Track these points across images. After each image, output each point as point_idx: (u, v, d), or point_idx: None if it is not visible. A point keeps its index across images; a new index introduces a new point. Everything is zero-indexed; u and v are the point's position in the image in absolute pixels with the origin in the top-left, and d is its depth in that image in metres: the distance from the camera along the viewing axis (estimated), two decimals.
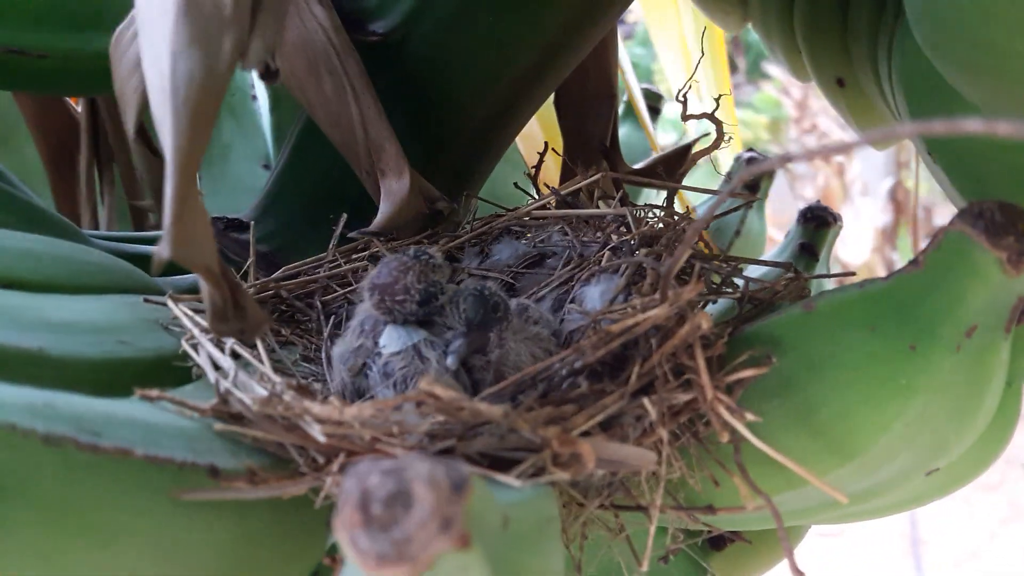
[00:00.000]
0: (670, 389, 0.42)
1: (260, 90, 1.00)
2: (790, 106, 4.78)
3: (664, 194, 0.62)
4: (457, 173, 0.68)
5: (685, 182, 0.77)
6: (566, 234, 0.60)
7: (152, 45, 0.40)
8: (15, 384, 0.36)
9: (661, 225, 0.57)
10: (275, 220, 0.69)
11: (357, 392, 0.49)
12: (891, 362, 0.42)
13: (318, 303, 0.58)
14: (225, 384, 0.43)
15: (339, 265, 0.61)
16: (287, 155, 0.71)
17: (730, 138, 0.61)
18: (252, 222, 0.66)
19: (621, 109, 1.05)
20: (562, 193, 0.62)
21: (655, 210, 0.60)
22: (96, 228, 0.95)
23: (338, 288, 0.59)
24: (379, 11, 0.66)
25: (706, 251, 0.55)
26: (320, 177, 0.69)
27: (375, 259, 0.60)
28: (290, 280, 0.59)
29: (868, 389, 0.42)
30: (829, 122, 4.46)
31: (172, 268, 0.69)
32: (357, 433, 0.39)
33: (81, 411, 0.36)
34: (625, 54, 0.90)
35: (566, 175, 0.76)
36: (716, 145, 0.60)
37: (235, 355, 0.47)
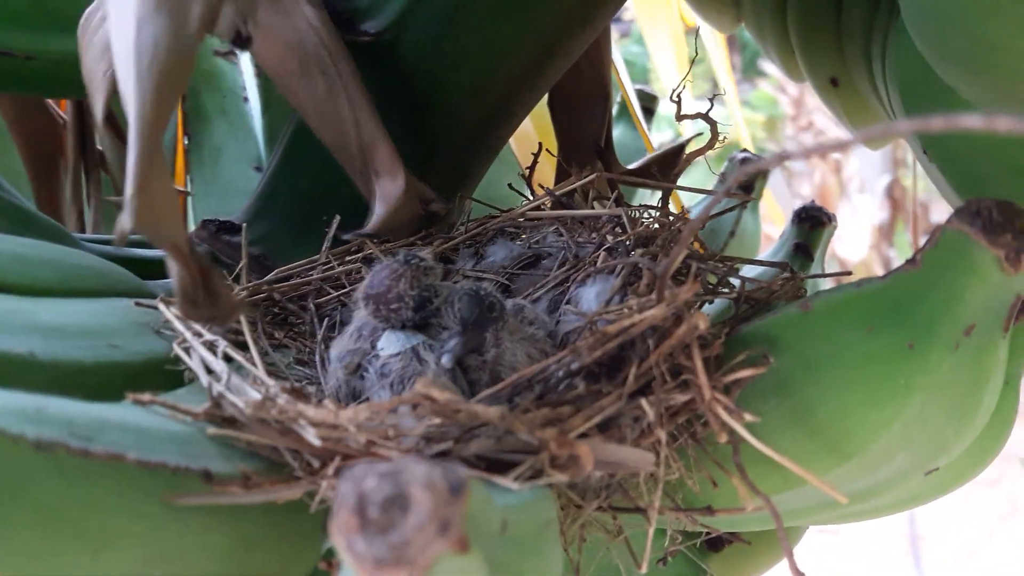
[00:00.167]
0: (668, 390, 0.42)
1: (252, 92, 0.99)
2: (786, 104, 4.79)
3: (659, 195, 0.62)
4: (451, 174, 0.68)
5: (680, 182, 0.77)
6: (561, 235, 0.60)
7: (119, 14, 0.39)
8: (6, 389, 0.35)
9: (656, 226, 0.57)
10: (267, 222, 0.68)
11: (353, 394, 0.49)
12: (889, 361, 0.41)
13: (312, 306, 0.58)
14: (218, 388, 0.43)
15: (332, 267, 0.60)
16: (279, 157, 0.70)
17: (724, 138, 0.60)
18: (244, 224, 0.65)
19: (615, 110, 1.05)
20: (557, 194, 0.62)
21: (650, 211, 0.59)
22: (82, 231, 0.94)
23: (332, 290, 0.59)
24: (370, 11, 0.65)
25: (701, 251, 0.55)
26: (313, 179, 0.69)
27: (369, 261, 0.60)
28: (283, 283, 0.59)
29: (866, 389, 0.42)
30: (825, 119, 4.47)
31: (164, 270, 0.69)
32: (352, 436, 0.39)
33: (73, 416, 0.36)
34: (619, 54, 0.90)
35: (560, 175, 0.75)
36: (711, 144, 0.60)
37: (228, 358, 0.47)
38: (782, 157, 0.36)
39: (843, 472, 0.44)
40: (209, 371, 0.45)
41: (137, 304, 0.55)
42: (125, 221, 0.36)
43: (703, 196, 0.86)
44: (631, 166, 0.81)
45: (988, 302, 0.40)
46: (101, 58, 0.49)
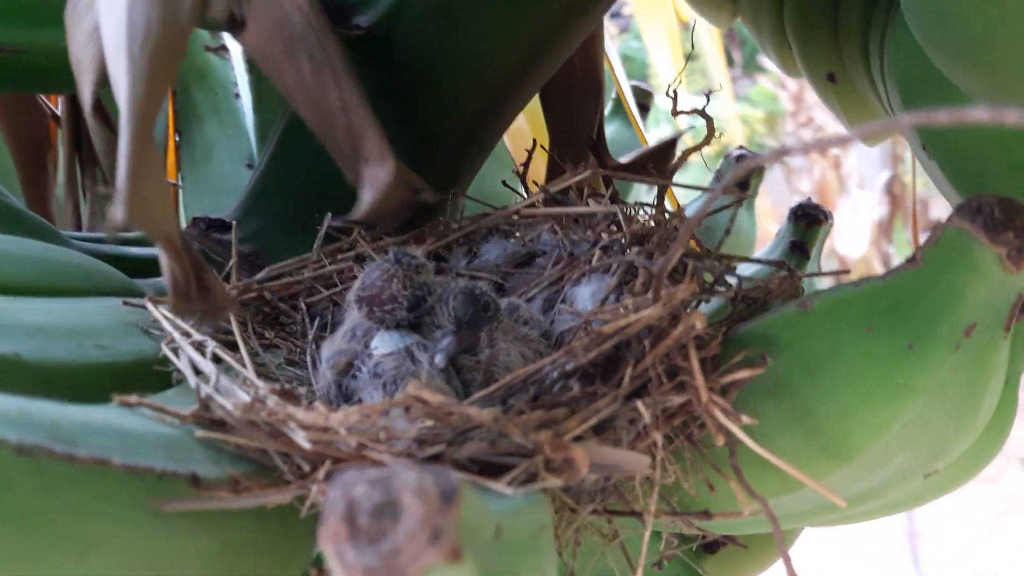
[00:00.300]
0: (664, 391, 0.42)
1: (243, 88, 0.98)
2: (786, 99, 4.79)
3: (654, 191, 0.61)
4: (445, 171, 0.67)
5: (675, 179, 0.76)
6: (556, 233, 0.59)
7: None
8: None
9: (652, 223, 0.56)
10: (258, 220, 0.68)
11: (345, 395, 0.48)
12: (888, 362, 0.41)
13: (303, 305, 0.57)
14: (206, 389, 0.42)
15: (324, 266, 0.59)
16: (270, 154, 0.70)
17: (721, 134, 0.60)
18: (234, 222, 0.64)
19: (611, 107, 1.04)
20: (552, 191, 0.61)
21: (646, 208, 0.59)
22: (79, 226, 0.93)
23: (323, 289, 0.58)
24: (363, 4, 0.64)
25: (698, 250, 0.54)
26: (304, 176, 0.68)
27: (361, 259, 0.59)
28: (274, 281, 0.58)
29: (865, 389, 0.41)
30: (825, 116, 4.47)
31: (154, 269, 0.68)
32: (343, 439, 0.38)
33: (56, 419, 0.35)
34: (615, 51, 0.89)
35: (552, 169, 0.74)
36: (708, 141, 0.59)
37: (217, 359, 0.46)
38: (780, 153, 0.35)
39: (842, 475, 0.43)
40: (197, 372, 0.44)
41: (125, 303, 0.54)
42: (117, 212, 0.36)
43: (699, 193, 0.85)
44: (623, 159, 0.80)
45: (989, 301, 0.39)
46: (88, 43, 0.47)
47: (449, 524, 0.26)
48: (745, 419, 0.40)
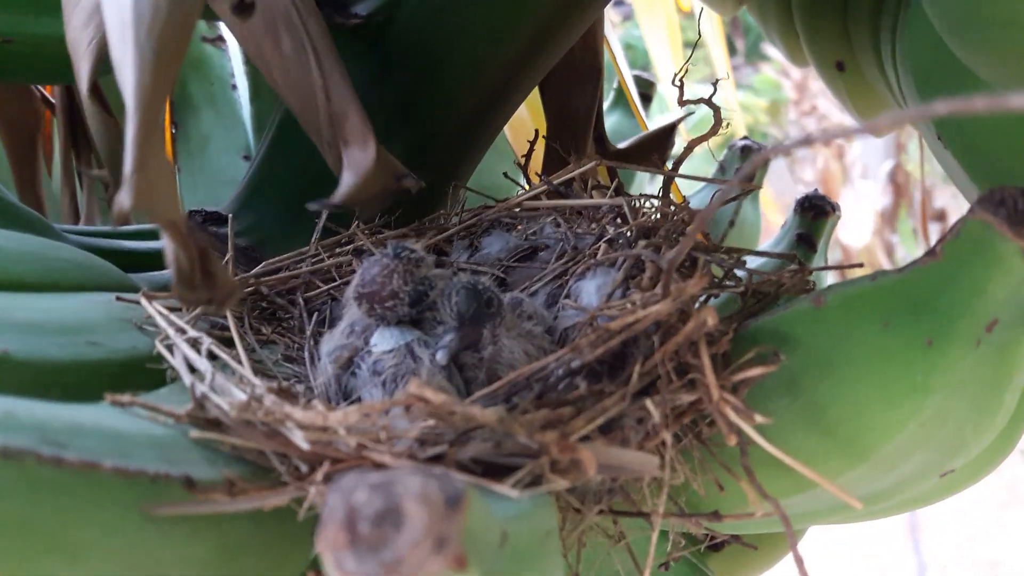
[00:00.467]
0: (673, 389, 0.40)
1: (240, 79, 0.97)
2: (789, 88, 4.78)
3: (655, 181, 0.60)
4: (445, 163, 0.66)
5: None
6: (559, 226, 0.58)
7: None
8: None
9: (658, 216, 0.55)
10: (255, 213, 0.66)
11: (344, 392, 0.47)
12: (906, 358, 0.39)
13: (300, 300, 0.56)
14: (201, 388, 0.41)
15: (322, 260, 0.58)
16: (267, 145, 0.68)
17: (728, 124, 0.58)
18: (231, 215, 0.63)
19: (612, 96, 1.03)
20: (555, 183, 0.59)
21: (651, 200, 0.57)
22: (76, 217, 0.92)
23: (321, 284, 0.57)
24: None
25: (706, 243, 0.53)
26: (302, 168, 0.67)
27: (359, 253, 0.58)
28: (271, 275, 0.57)
29: (881, 387, 0.40)
30: (829, 104, 4.46)
31: (149, 263, 0.67)
32: (342, 439, 0.37)
33: (45, 420, 0.34)
34: (617, 40, 0.88)
35: (549, 155, 0.73)
36: (714, 131, 0.58)
37: (212, 356, 0.45)
38: (791, 145, 0.34)
39: (857, 474, 0.42)
40: (192, 370, 0.43)
41: (119, 299, 0.53)
42: (124, 199, 0.34)
43: (701, 184, 0.84)
44: (621, 145, 0.78)
45: (1012, 296, 0.38)
46: (87, 26, 0.46)
47: (454, 532, 0.25)
48: (758, 418, 0.39)
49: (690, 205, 0.56)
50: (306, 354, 0.51)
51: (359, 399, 0.46)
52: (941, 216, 3.51)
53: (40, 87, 0.93)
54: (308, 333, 0.52)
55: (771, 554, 0.70)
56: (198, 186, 0.89)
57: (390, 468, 0.35)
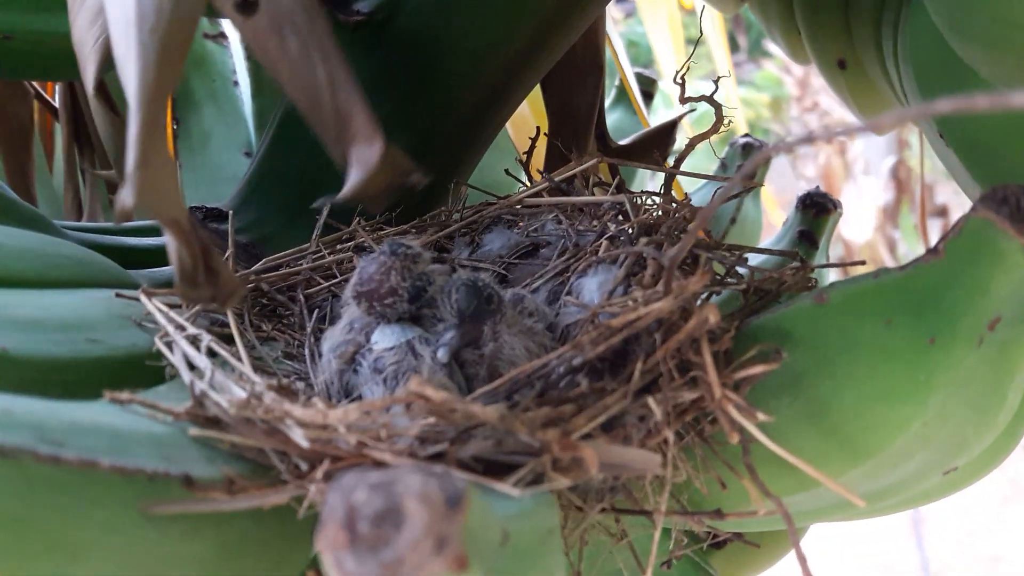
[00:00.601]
0: (675, 387, 0.40)
1: (242, 76, 0.97)
2: (791, 84, 4.77)
3: (657, 177, 0.59)
4: (446, 160, 0.66)
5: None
6: (560, 223, 0.58)
7: None
8: None
9: (660, 213, 0.54)
10: (256, 209, 0.66)
11: (345, 390, 0.46)
12: (909, 357, 0.39)
13: (301, 296, 0.55)
14: (200, 385, 0.41)
15: (323, 256, 0.58)
16: (268, 142, 0.68)
17: (730, 121, 0.58)
18: (231, 212, 0.63)
19: (614, 94, 1.02)
20: (556, 180, 0.59)
21: (653, 197, 0.57)
22: (79, 214, 0.92)
23: (322, 280, 0.57)
24: None
25: (707, 240, 0.52)
26: (303, 164, 0.67)
27: (360, 249, 0.57)
28: (271, 272, 0.57)
29: (884, 385, 0.40)
30: (831, 101, 4.45)
31: (149, 259, 0.66)
32: (342, 437, 0.37)
33: (43, 418, 0.33)
34: (619, 37, 0.88)
35: (551, 151, 0.73)
36: (716, 128, 0.58)
37: (212, 353, 0.44)
38: (790, 144, 0.34)
39: (859, 473, 0.42)
40: (191, 367, 0.43)
41: (118, 295, 0.52)
42: (127, 197, 0.34)
43: (703, 181, 0.84)
44: (623, 142, 0.78)
45: (1014, 294, 0.38)
46: (92, 24, 0.46)
47: (455, 532, 0.25)
48: (761, 416, 0.39)
49: (692, 202, 0.55)
50: (307, 351, 0.51)
51: (360, 397, 0.45)
52: (943, 212, 3.51)
53: (37, 86, 0.93)
54: (309, 330, 0.52)
55: (773, 552, 0.70)
56: (199, 182, 0.89)
57: (390, 466, 0.35)
